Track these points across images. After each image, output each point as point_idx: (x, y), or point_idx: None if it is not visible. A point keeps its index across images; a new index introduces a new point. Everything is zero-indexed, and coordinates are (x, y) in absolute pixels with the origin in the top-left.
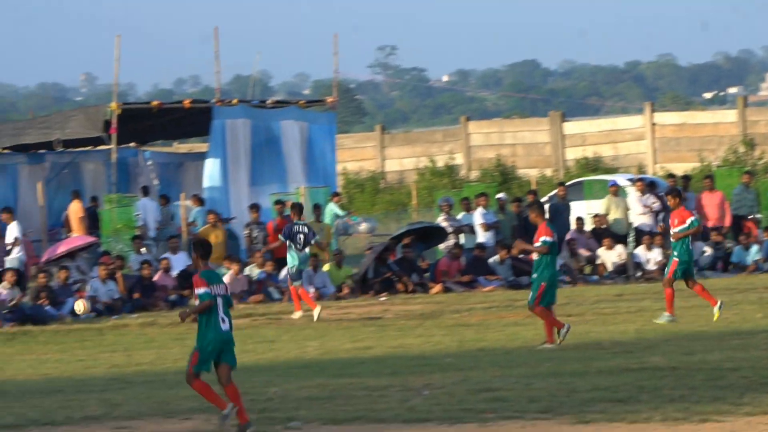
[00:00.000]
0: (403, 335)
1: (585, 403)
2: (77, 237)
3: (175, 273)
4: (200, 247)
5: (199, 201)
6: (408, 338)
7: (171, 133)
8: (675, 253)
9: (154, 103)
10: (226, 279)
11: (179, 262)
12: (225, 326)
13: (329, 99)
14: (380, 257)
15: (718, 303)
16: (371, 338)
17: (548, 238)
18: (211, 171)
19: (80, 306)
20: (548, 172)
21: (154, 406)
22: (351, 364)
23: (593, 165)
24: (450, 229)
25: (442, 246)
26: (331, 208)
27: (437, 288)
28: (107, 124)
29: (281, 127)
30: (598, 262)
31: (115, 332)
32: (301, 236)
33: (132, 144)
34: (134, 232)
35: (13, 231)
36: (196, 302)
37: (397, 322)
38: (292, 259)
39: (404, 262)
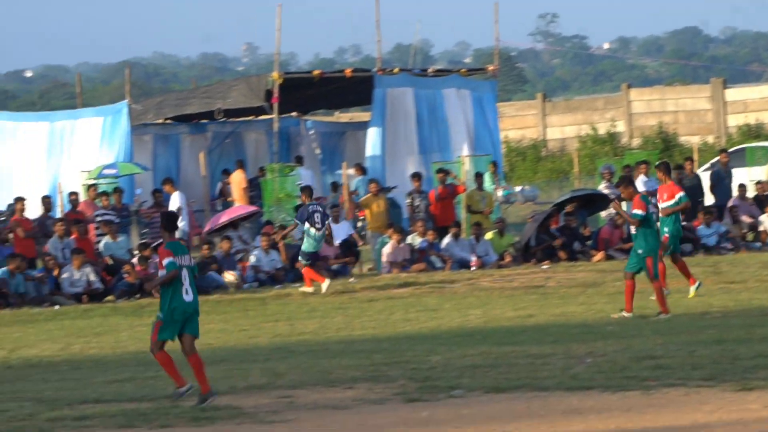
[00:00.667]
0: (565, 303)
1: (748, 370)
2: (239, 206)
3: (337, 242)
4: (165, 219)
5: (362, 170)
6: (570, 306)
7: (332, 103)
8: (666, 230)
9: (316, 72)
10: (388, 248)
11: (341, 231)
12: (188, 297)
13: (490, 67)
14: (542, 225)
15: (697, 283)
16: (533, 306)
17: (639, 212)
18: (373, 140)
19: (230, 278)
20: (710, 139)
21: (316, 376)
22: (513, 332)
23: (755, 132)
24: (612, 197)
25: (604, 214)
26: (489, 178)
27: (599, 256)
28: (269, 94)
29: (444, 95)
30: (761, 228)
31: (278, 302)
32: (318, 215)
33: (293, 114)
34: (296, 202)
35: (175, 201)
36: (162, 272)
37: (559, 290)
38: (308, 241)
39: (566, 229)
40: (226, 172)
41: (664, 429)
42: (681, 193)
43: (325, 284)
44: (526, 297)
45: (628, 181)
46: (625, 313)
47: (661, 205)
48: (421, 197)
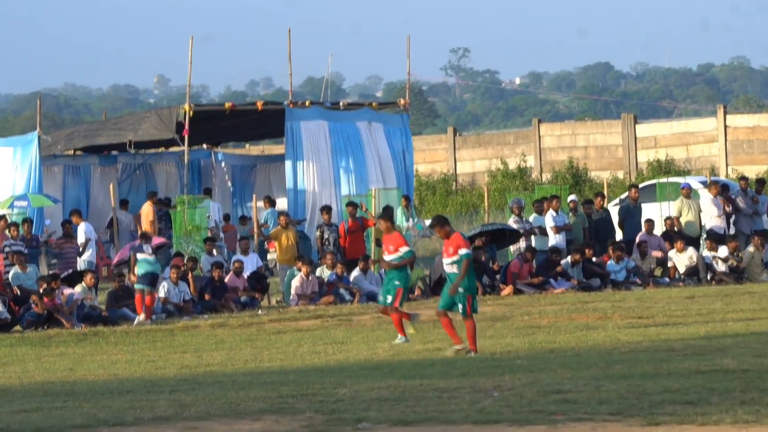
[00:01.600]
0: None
1: (655, 405)
2: None
3: (246, 274)
4: None
5: (271, 202)
6: (479, 340)
7: (243, 135)
8: (396, 282)
9: (227, 104)
10: (296, 280)
11: (251, 263)
12: None
13: (402, 101)
14: None
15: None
16: (442, 340)
17: (465, 251)
18: (288, 173)
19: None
20: (620, 174)
21: (223, 407)
22: (421, 365)
23: (665, 167)
24: (521, 231)
25: (513, 248)
26: (400, 212)
27: (508, 290)
28: (180, 126)
29: (357, 128)
30: (670, 264)
31: (186, 333)
32: None
33: (204, 146)
34: (206, 234)
35: (82, 232)
36: None
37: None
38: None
39: (476, 264)
40: (124, 204)
41: None
42: (407, 248)
43: None
44: (435, 330)
45: (443, 221)
46: (457, 347)
47: (386, 257)
48: (331, 230)
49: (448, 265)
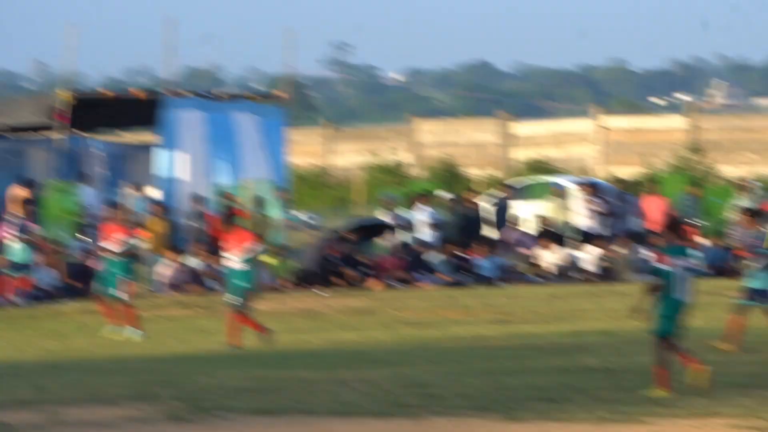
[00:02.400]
0: (339, 329)
1: (516, 401)
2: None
3: None
4: None
5: (139, 189)
6: (345, 333)
7: (120, 123)
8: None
9: (105, 92)
10: (166, 269)
11: None
12: None
13: (281, 94)
14: (323, 252)
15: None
16: (309, 331)
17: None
18: (163, 161)
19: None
20: (495, 172)
21: (85, 393)
22: (286, 356)
23: (540, 166)
24: (395, 225)
25: (383, 242)
26: (273, 204)
27: (377, 284)
28: (56, 112)
29: (234, 119)
30: (538, 262)
31: (52, 318)
32: None
33: (80, 132)
34: (76, 219)
35: None
36: None
37: (335, 317)
38: None
39: (346, 257)
40: None
41: None
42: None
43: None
44: (302, 322)
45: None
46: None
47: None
48: (202, 220)
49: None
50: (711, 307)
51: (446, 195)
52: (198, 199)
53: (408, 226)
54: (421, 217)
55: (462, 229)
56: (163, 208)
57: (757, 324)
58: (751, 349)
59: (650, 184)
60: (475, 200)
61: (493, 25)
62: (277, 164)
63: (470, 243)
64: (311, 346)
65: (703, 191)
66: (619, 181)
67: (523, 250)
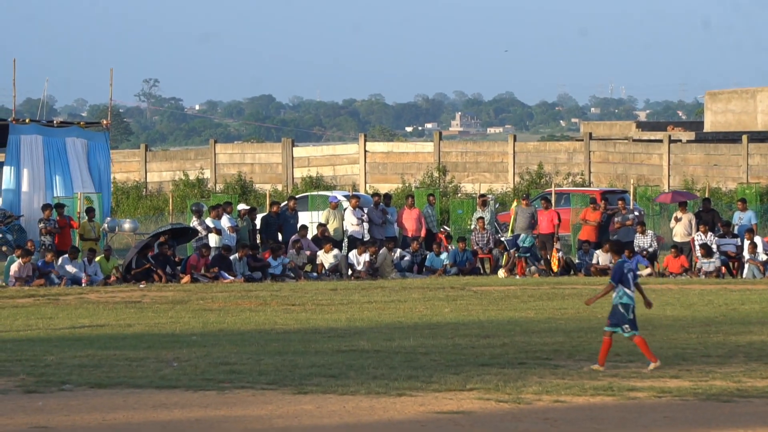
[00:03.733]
0: (157, 316)
1: (304, 377)
2: None
3: None
4: None
5: None
6: (162, 319)
7: None
8: None
9: None
10: (15, 266)
11: None
12: None
13: (104, 121)
14: (142, 251)
15: None
16: (132, 318)
17: None
18: (7, 177)
19: None
20: (280, 187)
21: None
22: (115, 338)
23: (316, 182)
24: (201, 230)
25: (192, 243)
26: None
27: (187, 279)
28: None
29: (66, 142)
30: (318, 262)
31: None
32: None
33: None
34: None
35: None
36: None
37: (153, 306)
38: None
39: (160, 256)
40: None
41: (234, 419)
42: None
43: None
44: (126, 310)
45: None
46: None
47: None
48: (49, 224)
49: None
50: (459, 298)
51: (245, 206)
52: (47, 207)
53: (212, 231)
54: (226, 223)
55: (257, 233)
56: (11, 215)
57: (495, 315)
58: (492, 334)
59: (408, 198)
60: (273, 210)
61: (275, 64)
62: (103, 179)
63: (264, 245)
64: (135, 330)
65: (450, 204)
66: (381, 195)
67: (306, 252)
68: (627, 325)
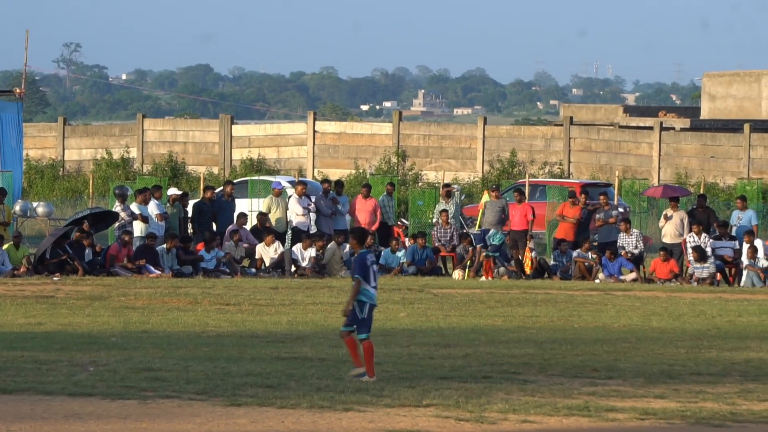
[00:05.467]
0: (72, 314)
1: (238, 387)
2: None
3: None
4: None
5: None
6: (77, 317)
7: None
8: None
9: None
10: None
11: None
12: None
13: (17, 90)
14: (58, 240)
15: None
16: (43, 315)
17: None
18: None
19: None
20: (215, 170)
21: None
22: (23, 338)
23: (257, 166)
24: (124, 216)
25: (114, 231)
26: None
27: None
28: None
29: None
30: (257, 256)
31: None
32: None
33: None
34: None
35: None
36: None
37: (67, 302)
38: None
39: (76, 244)
40: None
41: None
42: None
43: None
44: (37, 306)
45: None
46: None
47: None
48: None
49: None
50: (417, 302)
51: (176, 191)
52: None
53: (137, 217)
54: (154, 210)
55: (189, 222)
56: None
57: (457, 322)
58: (453, 343)
59: (363, 187)
60: (207, 196)
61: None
62: (14, 157)
63: (196, 236)
64: (46, 329)
65: (409, 194)
66: (331, 182)
67: (244, 244)
68: (357, 326)
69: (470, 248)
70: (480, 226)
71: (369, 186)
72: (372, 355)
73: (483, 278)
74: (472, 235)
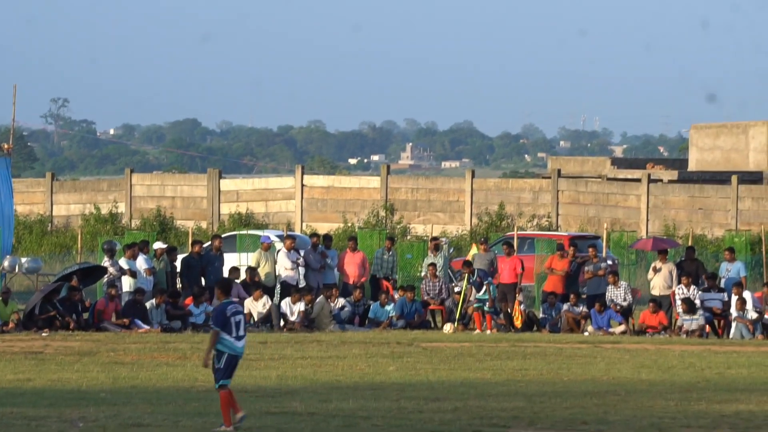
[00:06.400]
0: (61, 369)
1: None
2: None
3: None
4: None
5: None
6: (66, 373)
7: None
8: None
9: None
10: None
11: None
12: None
13: (5, 145)
14: (48, 296)
15: None
16: (32, 371)
17: None
18: None
19: None
20: (204, 224)
21: None
22: (12, 394)
23: (246, 220)
24: (113, 272)
25: (103, 287)
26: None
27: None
28: None
29: None
30: (246, 311)
31: None
32: None
33: None
34: None
35: None
36: None
37: (56, 357)
38: None
39: (68, 301)
40: None
41: None
42: None
43: None
44: (26, 362)
45: None
46: None
47: None
48: None
49: None
50: (406, 355)
51: (162, 245)
52: None
53: (126, 272)
54: (143, 264)
55: (178, 277)
56: None
57: (446, 376)
58: (442, 397)
59: (350, 240)
60: (195, 251)
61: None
62: (3, 212)
63: (185, 291)
64: (35, 385)
65: (398, 248)
66: (320, 236)
67: (235, 299)
68: (214, 375)
69: (459, 303)
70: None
71: (355, 239)
72: (227, 403)
73: (476, 331)
74: (471, 283)
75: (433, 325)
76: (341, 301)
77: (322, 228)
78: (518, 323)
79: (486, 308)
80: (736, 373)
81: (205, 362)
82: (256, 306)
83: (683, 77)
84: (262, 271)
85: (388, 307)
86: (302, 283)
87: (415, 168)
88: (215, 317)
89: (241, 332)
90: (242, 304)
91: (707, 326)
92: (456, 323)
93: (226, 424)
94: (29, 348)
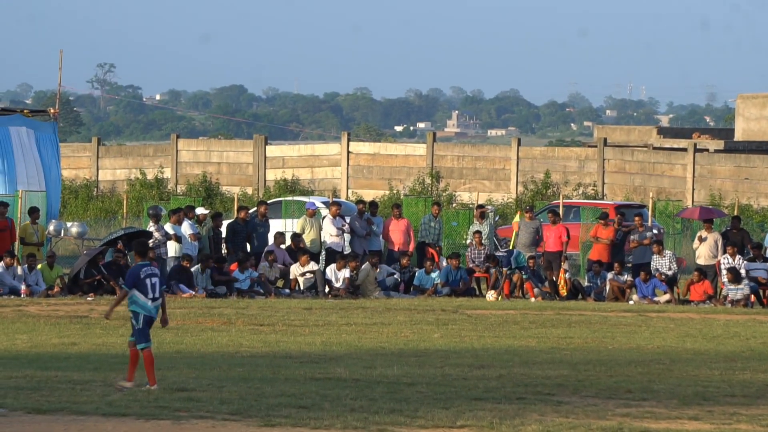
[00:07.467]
0: (106, 334)
1: (272, 408)
2: None
3: None
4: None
5: None
6: (111, 337)
7: None
8: None
9: None
10: None
11: None
12: None
13: (51, 110)
14: (93, 260)
15: None
16: (77, 335)
17: None
18: None
19: None
20: (249, 190)
21: None
22: (57, 358)
23: (291, 186)
24: (158, 237)
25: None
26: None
27: None
28: None
29: (11, 132)
30: (292, 276)
31: None
32: None
33: None
34: None
35: None
36: None
37: (101, 322)
38: None
39: (114, 265)
40: None
41: None
42: None
43: None
44: (71, 326)
45: None
46: None
47: None
48: None
49: None
50: (450, 323)
51: (203, 211)
52: None
53: (171, 238)
54: (188, 230)
55: (224, 242)
56: None
57: (491, 343)
58: (487, 364)
59: (394, 208)
60: (241, 217)
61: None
62: (51, 176)
63: (230, 256)
64: (80, 349)
65: (443, 215)
66: (366, 203)
67: (280, 265)
68: (135, 336)
69: (494, 270)
70: (514, 247)
71: (399, 206)
72: (152, 363)
73: (519, 298)
74: (499, 257)
75: (478, 292)
76: (386, 268)
77: (368, 195)
78: (563, 291)
79: (524, 275)
80: None
81: (107, 315)
82: (302, 271)
83: (733, 46)
84: (307, 238)
85: (434, 275)
86: (347, 250)
87: (461, 136)
88: (127, 278)
89: (157, 294)
90: (288, 270)
91: (752, 296)
92: (500, 291)
93: (150, 383)
94: (74, 312)
